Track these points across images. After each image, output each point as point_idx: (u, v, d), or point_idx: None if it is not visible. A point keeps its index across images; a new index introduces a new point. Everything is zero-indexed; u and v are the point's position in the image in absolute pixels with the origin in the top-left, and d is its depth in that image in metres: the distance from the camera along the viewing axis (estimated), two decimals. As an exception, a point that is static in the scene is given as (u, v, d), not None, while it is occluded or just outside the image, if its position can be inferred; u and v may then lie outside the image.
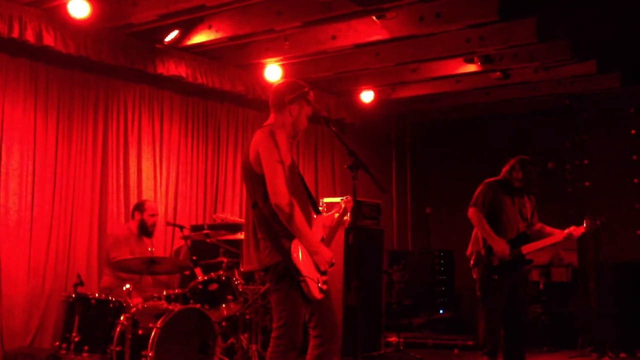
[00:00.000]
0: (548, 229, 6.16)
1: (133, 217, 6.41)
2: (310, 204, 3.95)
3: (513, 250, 5.92)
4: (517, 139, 9.33)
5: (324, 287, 3.77)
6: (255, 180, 3.79)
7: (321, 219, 3.99)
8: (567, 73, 7.87)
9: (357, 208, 4.33)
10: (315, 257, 3.74)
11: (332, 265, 3.80)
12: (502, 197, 6.03)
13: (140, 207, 6.39)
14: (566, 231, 6.00)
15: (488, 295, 5.99)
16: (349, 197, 4.21)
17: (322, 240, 3.93)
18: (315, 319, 3.79)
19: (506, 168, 6.13)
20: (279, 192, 3.65)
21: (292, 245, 3.69)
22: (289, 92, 3.95)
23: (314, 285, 3.70)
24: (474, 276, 6.13)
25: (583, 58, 7.40)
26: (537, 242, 6.06)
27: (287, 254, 3.67)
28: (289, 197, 3.66)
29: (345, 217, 4.28)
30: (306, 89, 4.01)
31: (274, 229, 3.73)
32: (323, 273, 3.78)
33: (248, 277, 6.43)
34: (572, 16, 6.52)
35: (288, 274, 3.69)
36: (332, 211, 4.25)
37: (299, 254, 3.69)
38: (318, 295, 3.73)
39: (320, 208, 4.18)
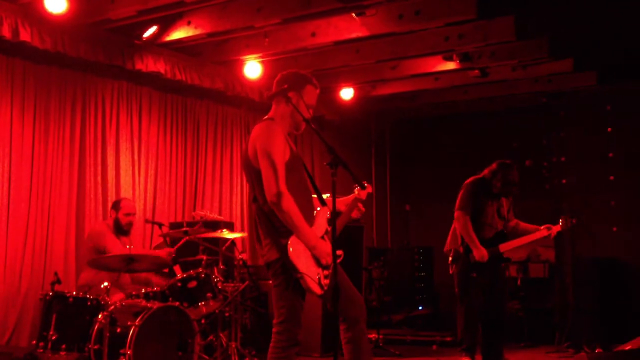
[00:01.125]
0: (522, 225, 6.25)
1: (111, 215, 6.36)
2: (318, 197, 3.91)
3: (491, 248, 5.99)
4: (495, 136, 9.39)
5: (326, 281, 3.72)
6: (254, 176, 3.75)
7: (325, 211, 3.90)
8: (544, 71, 7.94)
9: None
10: (314, 252, 3.70)
11: (338, 257, 3.71)
12: (482, 197, 6.11)
13: (116, 205, 6.31)
14: (543, 229, 6.08)
15: (466, 292, 6.05)
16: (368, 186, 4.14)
17: (326, 232, 3.86)
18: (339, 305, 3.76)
19: (488, 172, 6.18)
20: (273, 188, 3.60)
21: (290, 242, 3.65)
22: (287, 81, 3.90)
23: (312, 281, 3.67)
24: (450, 272, 6.18)
25: (560, 56, 7.47)
26: (515, 240, 6.14)
27: (284, 251, 3.64)
28: (284, 194, 3.61)
29: (356, 207, 4.16)
30: (305, 77, 3.96)
31: (273, 224, 3.70)
32: (325, 267, 3.74)
33: (227, 275, 6.42)
34: (550, 14, 6.58)
35: (285, 270, 3.66)
36: (349, 196, 4.15)
37: (297, 250, 3.65)
38: (318, 291, 3.70)
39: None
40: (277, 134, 3.74)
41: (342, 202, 4.06)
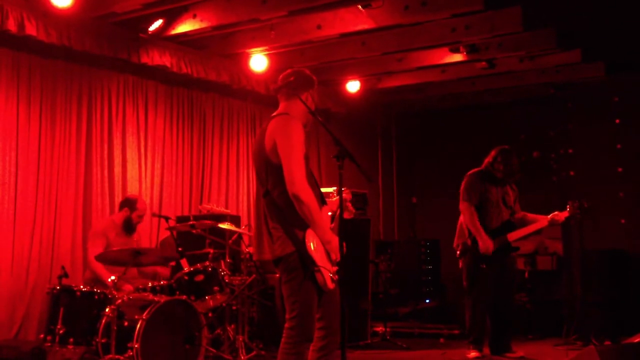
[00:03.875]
0: (530, 216, 6.24)
1: (121, 209, 6.35)
2: (319, 194, 3.92)
3: (499, 238, 5.97)
4: (502, 128, 9.35)
5: (335, 277, 3.74)
6: (270, 170, 3.75)
7: (327, 209, 3.94)
8: (552, 62, 7.89)
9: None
10: (328, 246, 3.72)
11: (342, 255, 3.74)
12: (486, 186, 6.11)
13: (132, 204, 6.29)
14: (550, 216, 6.07)
15: (474, 284, 6.05)
16: (346, 189, 4.19)
17: (331, 229, 3.88)
18: (323, 310, 3.76)
19: (488, 159, 6.21)
20: (298, 182, 3.61)
21: (306, 235, 3.66)
22: (302, 81, 3.94)
23: (327, 274, 3.68)
24: (460, 266, 6.17)
25: (568, 47, 7.42)
26: (523, 229, 6.13)
27: (301, 244, 3.64)
28: (307, 187, 3.64)
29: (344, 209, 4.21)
30: (312, 78, 4.01)
31: (287, 218, 3.69)
32: (334, 263, 3.75)
33: (234, 268, 6.42)
34: (557, 5, 6.54)
35: (301, 264, 3.65)
36: (334, 200, 4.19)
37: (313, 244, 3.66)
38: (331, 285, 3.71)
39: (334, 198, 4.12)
40: (298, 128, 3.77)
41: (335, 204, 4.07)
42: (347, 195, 4.20)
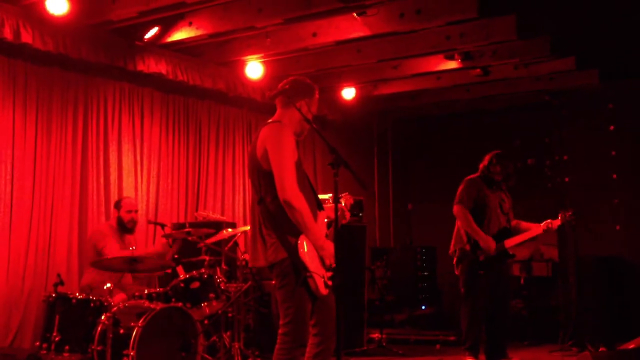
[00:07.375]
0: (524, 224, 6.25)
1: (114, 214, 6.39)
2: (315, 200, 3.94)
3: (497, 245, 5.98)
4: (497, 135, 9.38)
5: (330, 282, 3.75)
6: (262, 177, 3.77)
7: (324, 215, 3.96)
8: (546, 69, 7.93)
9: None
10: (321, 252, 3.73)
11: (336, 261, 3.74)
12: (484, 192, 6.11)
13: (117, 204, 6.42)
14: (544, 223, 6.10)
15: (472, 291, 6.04)
16: (347, 194, 4.20)
17: (327, 236, 3.89)
18: (316, 316, 3.76)
19: (483, 164, 6.22)
20: (288, 188, 3.63)
21: (299, 241, 3.67)
22: (298, 89, 3.96)
23: (321, 281, 3.69)
24: (457, 273, 6.17)
25: (562, 54, 7.46)
26: (518, 236, 6.15)
27: (294, 250, 3.65)
28: (298, 193, 3.65)
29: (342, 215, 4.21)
30: (312, 86, 4.03)
31: (280, 225, 3.71)
32: (328, 269, 3.76)
33: (230, 275, 6.42)
34: (551, 13, 6.57)
35: (294, 270, 3.66)
36: (331, 206, 4.18)
37: (306, 250, 3.67)
38: (324, 291, 3.71)
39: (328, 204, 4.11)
40: (288, 136, 3.79)
41: (332, 210, 4.08)
42: (347, 200, 4.21)
